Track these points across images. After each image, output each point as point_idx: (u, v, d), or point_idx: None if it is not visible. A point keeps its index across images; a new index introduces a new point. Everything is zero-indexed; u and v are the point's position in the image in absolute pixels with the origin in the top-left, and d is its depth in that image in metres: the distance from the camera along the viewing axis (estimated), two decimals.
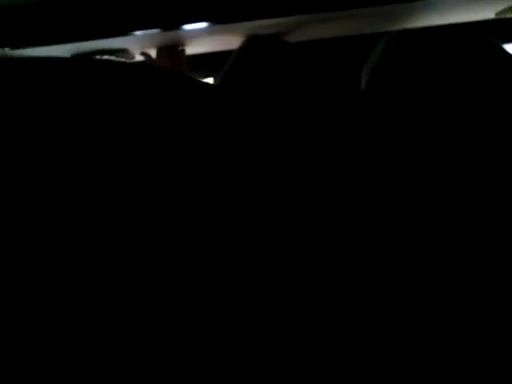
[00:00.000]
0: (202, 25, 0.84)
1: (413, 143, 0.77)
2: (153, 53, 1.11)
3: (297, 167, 0.53)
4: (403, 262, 0.53)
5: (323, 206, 0.50)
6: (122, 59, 1.12)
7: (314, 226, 0.46)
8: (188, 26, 0.88)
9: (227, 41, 1.05)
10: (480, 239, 0.60)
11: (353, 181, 0.59)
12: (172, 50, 1.07)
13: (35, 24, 0.78)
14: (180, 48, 1.08)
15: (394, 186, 0.65)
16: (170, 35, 0.96)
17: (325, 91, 0.87)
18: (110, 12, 0.77)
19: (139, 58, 1.14)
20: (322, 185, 0.52)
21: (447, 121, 0.75)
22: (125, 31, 0.84)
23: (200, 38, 1.01)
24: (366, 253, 0.50)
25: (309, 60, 0.89)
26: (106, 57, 1.06)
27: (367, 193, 0.58)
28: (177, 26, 0.84)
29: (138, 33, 0.90)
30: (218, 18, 0.80)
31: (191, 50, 1.14)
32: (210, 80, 1.35)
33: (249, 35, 1.01)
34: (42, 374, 0.33)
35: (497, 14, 1.06)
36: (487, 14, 1.06)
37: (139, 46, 1.06)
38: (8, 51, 0.81)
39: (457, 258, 0.58)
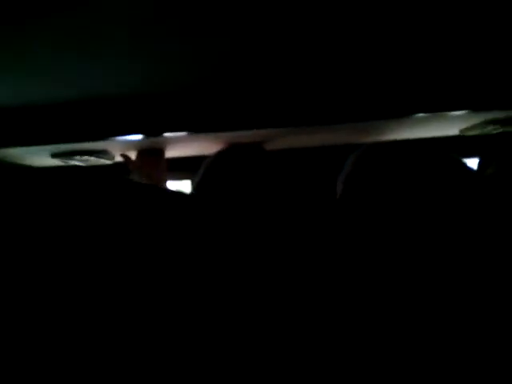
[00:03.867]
0: (183, 133, 0.87)
1: (382, 246, 0.79)
2: (132, 154, 1.13)
3: (274, 271, 0.53)
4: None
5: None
6: (101, 160, 1.13)
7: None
8: (169, 134, 0.90)
9: (207, 147, 1.09)
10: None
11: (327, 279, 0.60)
12: (152, 154, 1.09)
13: (16, 125, 0.79)
14: (159, 152, 1.10)
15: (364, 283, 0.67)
16: (151, 140, 0.98)
17: (302, 196, 0.89)
18: (92, 116, 0.79)
19: (118, 159, 1.16)
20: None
21: (411, 227, 0.78)
22: (106, 136, 0.85)
23: (181, 143, 1.04)
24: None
25: (285, 167, 0.92)
26: (85, 157, 1.07)
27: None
28: (158, 133, 0.86)
29: (119, 138, 0.91)
30: (200, 128, 0.82)
31: (171, 153, 1.16)
32: (188, 182, 1.37)
33: (227, 143, 1.04)
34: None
35: (461, 131, 1.13)
36: (452, 130, 1.14)
37: (119, 148, 1.08)
38: None
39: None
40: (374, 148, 1.11)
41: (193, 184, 0.81)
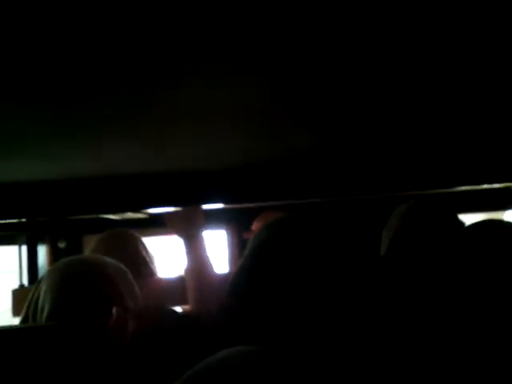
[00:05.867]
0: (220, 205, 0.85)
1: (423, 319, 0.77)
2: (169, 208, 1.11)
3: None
4: None
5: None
6: (137, 214, 1.11)
7: None
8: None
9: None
10: None
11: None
12: (188, 207, 1.07)
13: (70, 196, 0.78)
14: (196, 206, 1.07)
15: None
16: None
17: (347, 255, 0.84)
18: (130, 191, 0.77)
19: (154, 212, 1.14)
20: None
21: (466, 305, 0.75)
22: (145, 208, 0.84)
23: None
24: None
25: (330, 224, 0.88)
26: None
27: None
28: (195, 204, 0.84)
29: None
30: (235, 200, 0.80)
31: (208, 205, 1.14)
32: (223, 232, 1.34)
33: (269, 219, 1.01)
34: None
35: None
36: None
37: None
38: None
39: None
40: (425, 203, 1.05)
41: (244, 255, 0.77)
